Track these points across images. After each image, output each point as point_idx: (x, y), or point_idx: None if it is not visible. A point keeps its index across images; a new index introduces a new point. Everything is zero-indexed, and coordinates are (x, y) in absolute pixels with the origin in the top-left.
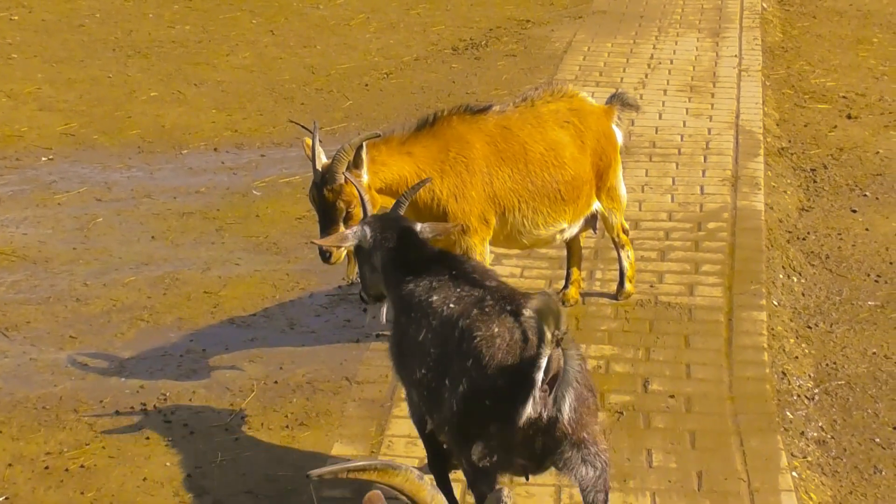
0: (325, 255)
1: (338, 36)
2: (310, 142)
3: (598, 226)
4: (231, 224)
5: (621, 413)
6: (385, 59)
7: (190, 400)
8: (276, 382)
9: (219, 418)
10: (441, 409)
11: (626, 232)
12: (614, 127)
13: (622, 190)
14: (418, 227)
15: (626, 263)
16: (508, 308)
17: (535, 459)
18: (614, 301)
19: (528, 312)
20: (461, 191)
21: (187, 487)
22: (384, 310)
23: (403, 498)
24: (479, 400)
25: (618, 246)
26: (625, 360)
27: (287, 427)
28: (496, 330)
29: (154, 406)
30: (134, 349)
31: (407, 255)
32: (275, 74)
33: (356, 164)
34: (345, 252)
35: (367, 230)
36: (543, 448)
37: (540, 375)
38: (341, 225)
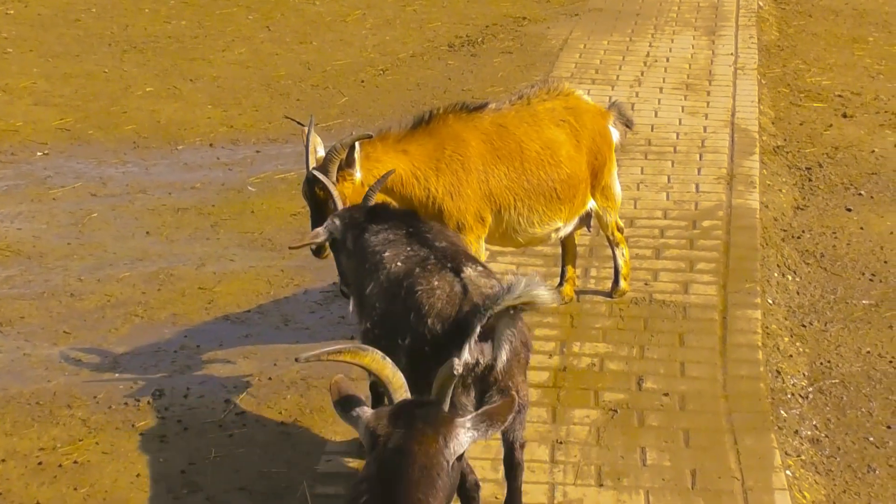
0: (317, 253)
1: (334, 32)
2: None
3: (592, 224)
4: (226, 220)
5: (615, 411)
6: (381, 56)
7: (184, 396)
8: (270, 379)
9: (213, 414)
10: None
11: (620, 230)
12: (610, 127)
13: (617, 188)
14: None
15: (620, 261)
16: (449, 265)
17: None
18: (609, 299)
19: (467, 271)
20: (457, 189)
21: (181, 483)
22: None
23: (372, 375)
24: (421, 348)
25: (612, 244)
26: (619, 358)
27: (281, 423)
28: (436, 283)
29: (148, 402)
30: (128, 345)
31: (373, 218)
32: (270, 70)
33: (348, 163)
34: None
35: (338, 221)
36: (478, 393)
37: (478, 324)
38: None
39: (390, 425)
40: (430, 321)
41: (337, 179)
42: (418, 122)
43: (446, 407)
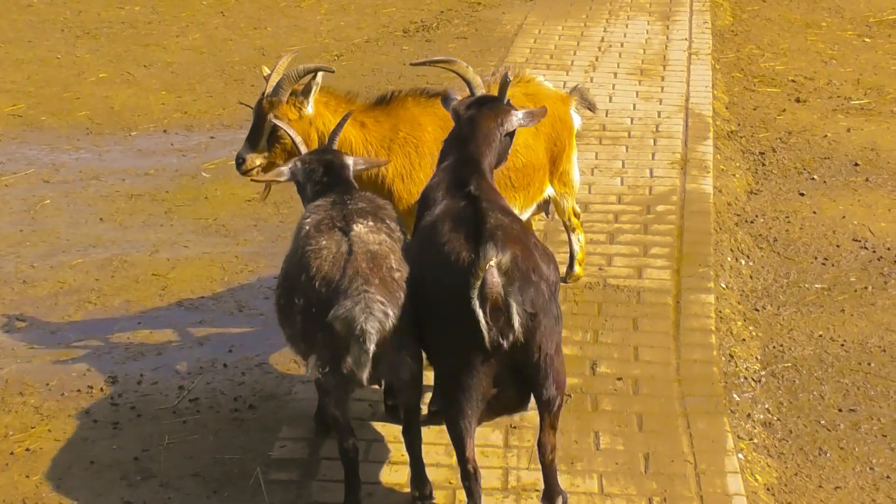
0: (239, 164)
1: (288, 18)
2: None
3: (550, 209)
4: (180, 206)
5: (569, 395)
6: (336, 41)
7: (138, 383)
8: (224, 365)
9: (166, 401)
10: (293, 325)
11: (577, 216)
12: (572, 112)
13: (575, 175)
14: (350, 160)
15: (576, 247)
16: (339, 225)
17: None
18: (563, 283)
19: (356, 228)
20: (408, 172)
21: (134, 470)
22: None
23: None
24: (310, 309)
25: (569, 229)
26: (573, 343)
27: (235, 410)
28: (324, 243)
29: (101, 389)
30: (81, 332)
31: (327, 187)
32: (225, 56)
33: (304, 92)
34: (258, 171)
35: (300, 164)
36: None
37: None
38: (264, 142)
39: (468, 108)
40: (316, 283)
41: (286, 101)
42: (380, 101)
43: (504, 101)
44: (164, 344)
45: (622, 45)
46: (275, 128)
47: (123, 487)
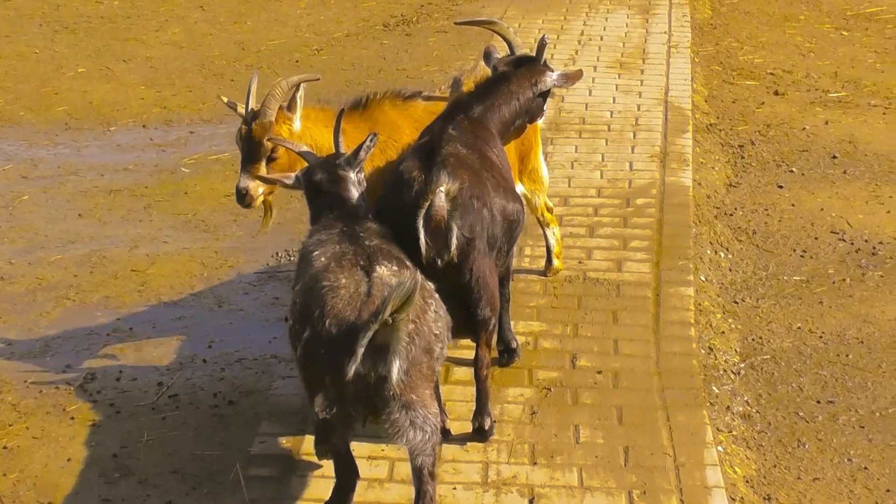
0: (242, 196)
1: (268, 12)
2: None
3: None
4: (159, 201)
5: (549, 389)
6: (316, 36)
7: (116, 379)
8: (204, 361)
9: (145, 397)
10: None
11: (550, 210)
12: None
13: (544, 171)
14: (352, 175)
15: (552, 240)
16: (361, 263)
17: (371, 414)
18: (543, 277)
19: (379, 271)
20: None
21: (113, 467)
22: None
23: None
24: (316, 349)
25: (543, 225)
26: (553, 337)
27: (214, 406)
28: (343, 281)
29: (80, 385)
30: (59, 328)
31: (322, 207)
32: (204, 51)
33: (290, 106)
34: (261, 199)
35: (302, 179)
36: (376, 406)
37: (364, 337)
38: (263, 164)
39: (506, 65)
40: (327, 321)
41: (276, 119)
42: (356, 105)
43: (541, 61)
44: (143, 340)
45: (602, 39)
46: (272, 150)
47: (102, 485)
